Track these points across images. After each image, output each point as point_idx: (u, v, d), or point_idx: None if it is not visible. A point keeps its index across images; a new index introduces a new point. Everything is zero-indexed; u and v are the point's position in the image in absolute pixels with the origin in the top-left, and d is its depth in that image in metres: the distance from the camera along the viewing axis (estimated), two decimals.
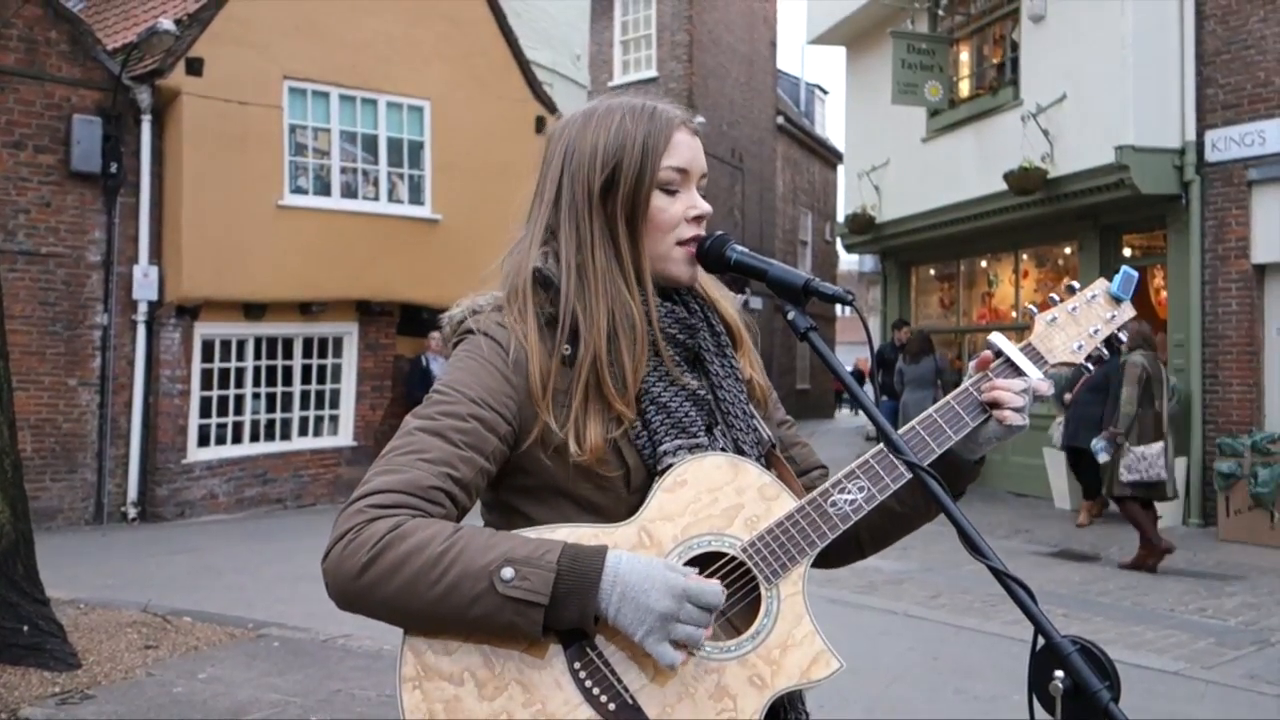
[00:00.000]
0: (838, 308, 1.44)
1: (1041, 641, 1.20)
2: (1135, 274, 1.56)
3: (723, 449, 1.44)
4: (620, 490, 1.39)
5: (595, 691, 1.27)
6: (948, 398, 1.47)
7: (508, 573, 1.22)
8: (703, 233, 1.49)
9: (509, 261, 1.51)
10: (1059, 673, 1.17)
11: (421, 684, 1.25)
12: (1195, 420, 10.32)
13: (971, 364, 1.52)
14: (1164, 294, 11.29)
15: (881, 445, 1.41)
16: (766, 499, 1.38)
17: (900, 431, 1.42)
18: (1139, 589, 7.76)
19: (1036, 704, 1.20)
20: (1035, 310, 1.56)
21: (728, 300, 1.61)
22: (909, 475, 1.39)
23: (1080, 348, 1.53)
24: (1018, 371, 1.48)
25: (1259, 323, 10.05)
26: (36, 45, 10.19)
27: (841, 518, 1.38)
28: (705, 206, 1.49)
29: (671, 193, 1.47)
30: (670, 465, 1.38)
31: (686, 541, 1.34)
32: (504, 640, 1.26)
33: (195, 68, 10.63)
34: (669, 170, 1.46)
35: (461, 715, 1.24)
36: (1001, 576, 1.23)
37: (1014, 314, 13.22)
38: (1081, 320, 1.54)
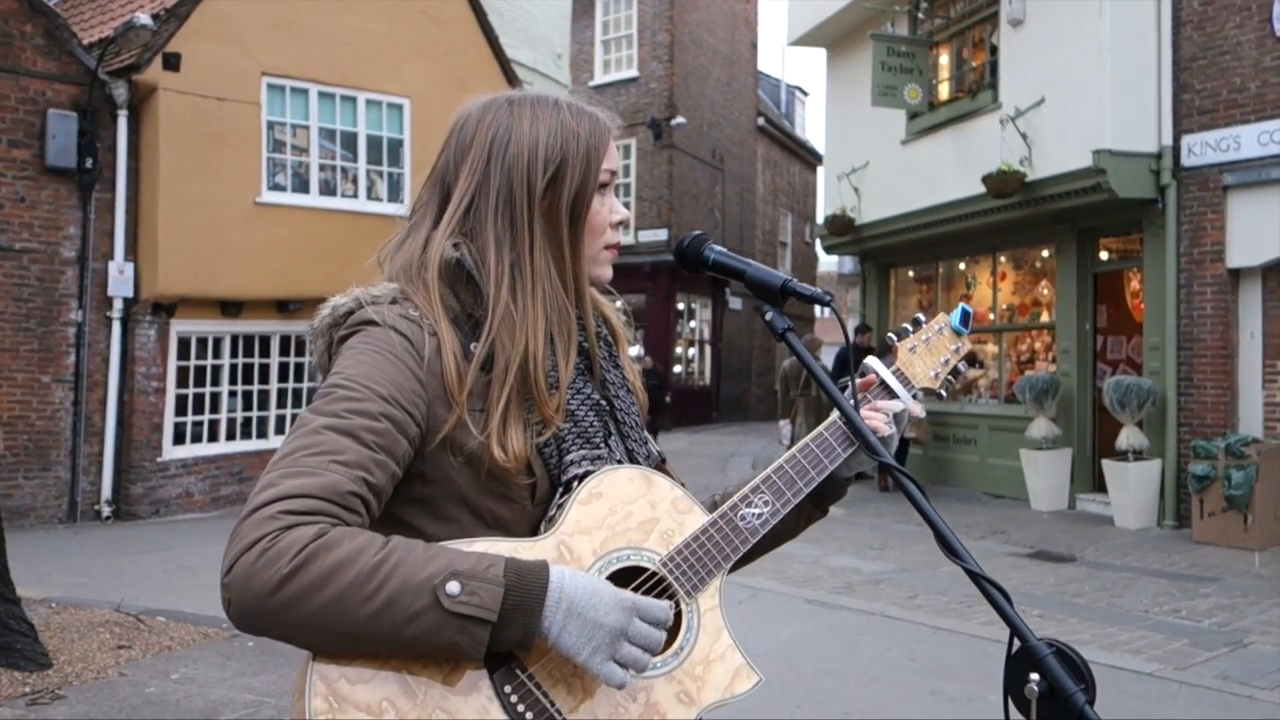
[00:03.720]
0: (816, 309, 1.46)
1: (1017, 644, 1.20)
2: (971, 310, 1.69)
3: (619, 460, 1.42)
4: (525, 503, 1.33)
5: (529, 716, 1.20)
6: (820, 428, 1.49)
7: (453, 587, 1.12)
8: (621, 239, 1.51)
9: (401, 253, 1.44)
10: (1034, 675, 1.17)
11: (335, 717, 1.13)
12: (1170, 423, 10.40)
13: (871, 398, 1.58)
14: (1140, 298, 11.37)
15: (780, 461, 1.44)
16: (680, 512, 1.37)
17: (784, 458, 1.45)
18: (1114, 590, 7.81)
19: (1012, 706, 1.20)
20: (895, 339, 1.64)
21: (609, 303, 1.57)
22: (807, 490, 1.43)
23: (936, 375, 1.63)
24: (893, 394, 1.57)
25: (1233, 327, 10.14)
26: (11, 39, 10.09)
27: (751, 531, 1.38)
28: (625, 212, 1.51)
29: (602, 195, 1.45)
30: (575, 476, 1.34)
31: (605, 556, 1.30)
32: (422, 664, 1.16)
33: (172, 63, 10.56)
34: (605, 173, 1.44)
35: None
36: (977, 579, 1.23)
37: (991, 316, 13.29)
38: (934, 350, 1.64)
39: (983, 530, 10.42)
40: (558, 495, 1.34)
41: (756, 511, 1.39)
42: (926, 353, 1.63)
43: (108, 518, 10.62)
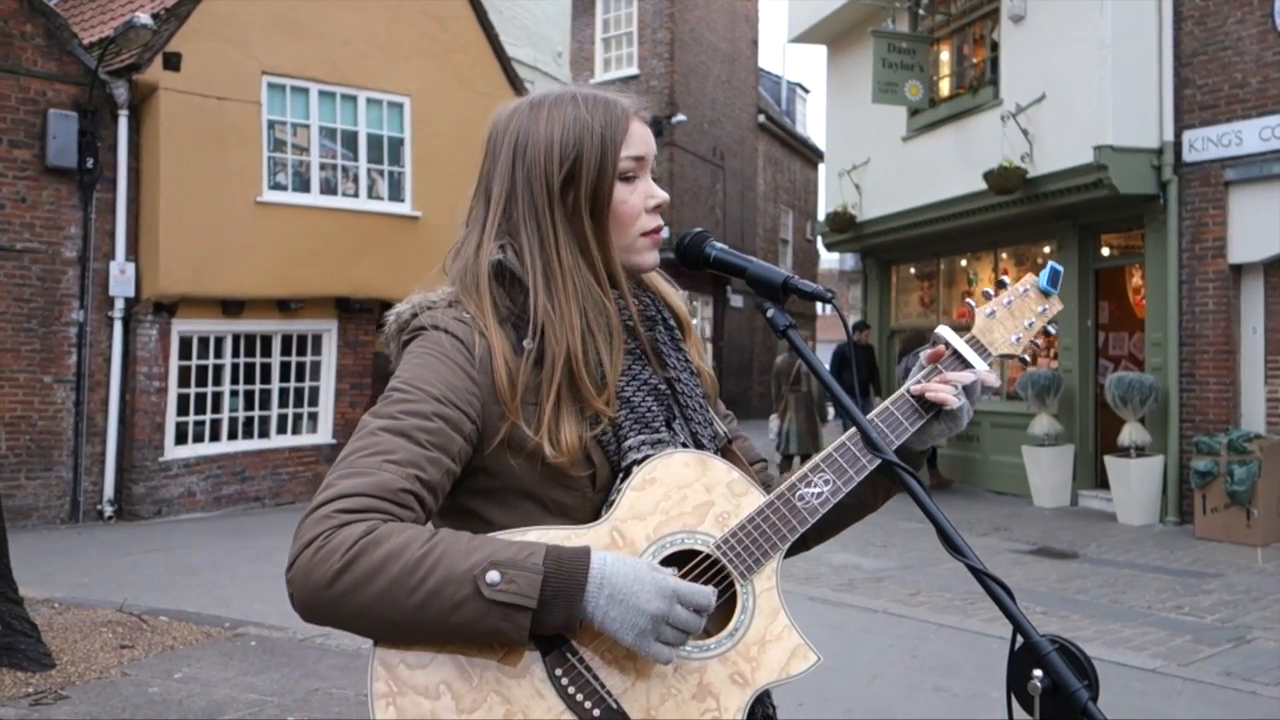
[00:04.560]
0: (818, 306, 1.44)
1: (1020, 640, 1.20)
2: (1061, 269, 1.62)
3: (683, 443, 1.43)
4: (586, 490, 1.36)
5: (579, 697, 1.24)
6: (886, 402, 1.48)
7: (493, 576, 1.18)
8: (662, 222, 1.49)
9: (457, 260, 1.47)
10: (1037, 671, 1.17)
11: (395, 700, 1.20)
12: (1172, 419, 10.39)
13: (923, 355, 1.53)
14: (1142, 294, 11.36)
15: (843, 439, 1.42)
16: (735, 495, 1.37)
17: (848, 435, 1.43)
18: (1116, 586, 7.80)
19: (1016, 703, 1.20)
20: (974, 305, 1.58)
21: (673, 291, 1.59)
22: (871, 468, 1.40)
23: (1018, 340, 1.57)
24: (966, 364, 1.50)
25: (1235, 322, 10.12)
26: (11, 39, 10.09)
27: (810, 511, 1.37)
28: (663, 195, 1.48)
29: (630, 183, 1.45)
30: (634, 462, 1.36)
31: (659, 540, 1.32)
32: (477, 648, 1.22)
33: (173, 63, 10.55)
34: (628, 160, 1.44)
35: None
36: (980, 575, 1.23)
37: None
38: (1016, 314, 1.58)
39: (985, 527, 10.41)
40: (618, 481, 1.37)
41: (816, 491, 1.38)
42: (1008, 317, 1.57)
43: (110, 518, 10.62)
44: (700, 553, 1.34)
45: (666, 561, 1.31)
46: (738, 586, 1.33)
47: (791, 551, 1.56)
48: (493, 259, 1.41)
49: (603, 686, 1.25)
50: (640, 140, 1.46)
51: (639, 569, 1.23)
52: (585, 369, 1.36)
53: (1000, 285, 1.60)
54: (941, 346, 1.52)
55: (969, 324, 1.55)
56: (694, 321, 1.61)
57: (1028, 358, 1.59)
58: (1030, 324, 1.58)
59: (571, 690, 1.24)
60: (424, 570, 1.17)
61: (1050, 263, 1.63)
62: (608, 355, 1.38)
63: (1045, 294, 1.60)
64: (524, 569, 1.19)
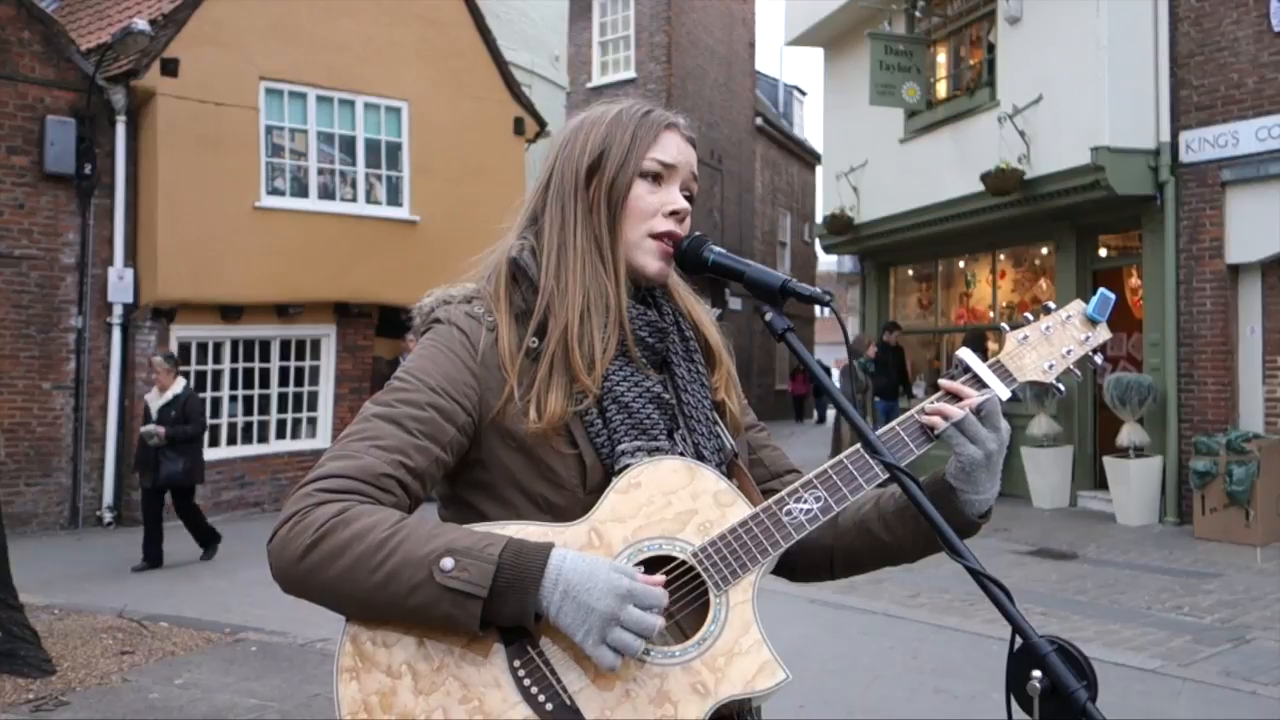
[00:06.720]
0: (816, 309, 1.44)
1: (1019, 641, 1.20)
2: (1112, 296, 1.56)
3: (682, 454, 1.43)
4: (576, 490, 1.37)
5: (534, 691, 1.24)
6: (893, 423, 1.46)
7: (447, 563, 1.20)
8: (679, 231, 1.49)
9: (493, 254, 1.53)
10: (1036, 672, 1.17)
11: (358, 675, 1.23)
12: (1171, 419, 10.39)
13: (941, 381, 1.52)
14: (1139, 294, 11.37)
15: (841, 457, 1.41)
16: (721, 505, 1.36)
17: (847, 452, 1.41)
18: (1116, 587, 7.81)
19: (1015, 704, 1.20)
20: (1007, 328, 1.55)
21: (711, 324, 1.61)
22: (867, 488, 1.39)
23: (1052, 367, 1.53)
24: (984, 388, 1.48)
25: (1233, 322, 10.13)
26: (9, 46, 10.10)
27: (796, 527, 1.36)
28: (683, 204, 1.49)
29: (654, 184, 1.48)
30: (627, 466, 1.37)
31: (637, 544, 1.32)
32: (442, 633, 1.24)
33: (170, 68, 10.57)
34: (653, 161, 1.47)
35: (396, 709, 1.22)
36: (979, 577, 1.23)
37: (991, 314, 13.28)
38: (1055, 340, 1.54)
39: (984, 528, 10.38)
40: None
41: (805, 507, 1.37)
42: (1043, 342, 1.52)
43: (109, 524, 10.62)
44: (677, 559, 1.33)
45: (643, 566, 1.30)
46: (712, 597, 1.32)
47: (811, 576, 1.58)
48: (511, 256, 1.48)
49: (559, 682, 1.25)
50: (673, 149, 1.49)
51: (596, 567, 1.23)
52: (579, 345, 1.39)
53: (1045, 310, 1.56)
54: (945, 379, 1.50)
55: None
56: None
57: (1063, 387, 1.54)
58: (1069, 351, 1.53)
59: (528, 683, 1.25)
60: (385, 552, 1.21)
61: (1101, 290, 1.58)
62: (600, 337, 1.41)
63: (1092, 321, 1.55)
64: (479, 558, 1.21)
